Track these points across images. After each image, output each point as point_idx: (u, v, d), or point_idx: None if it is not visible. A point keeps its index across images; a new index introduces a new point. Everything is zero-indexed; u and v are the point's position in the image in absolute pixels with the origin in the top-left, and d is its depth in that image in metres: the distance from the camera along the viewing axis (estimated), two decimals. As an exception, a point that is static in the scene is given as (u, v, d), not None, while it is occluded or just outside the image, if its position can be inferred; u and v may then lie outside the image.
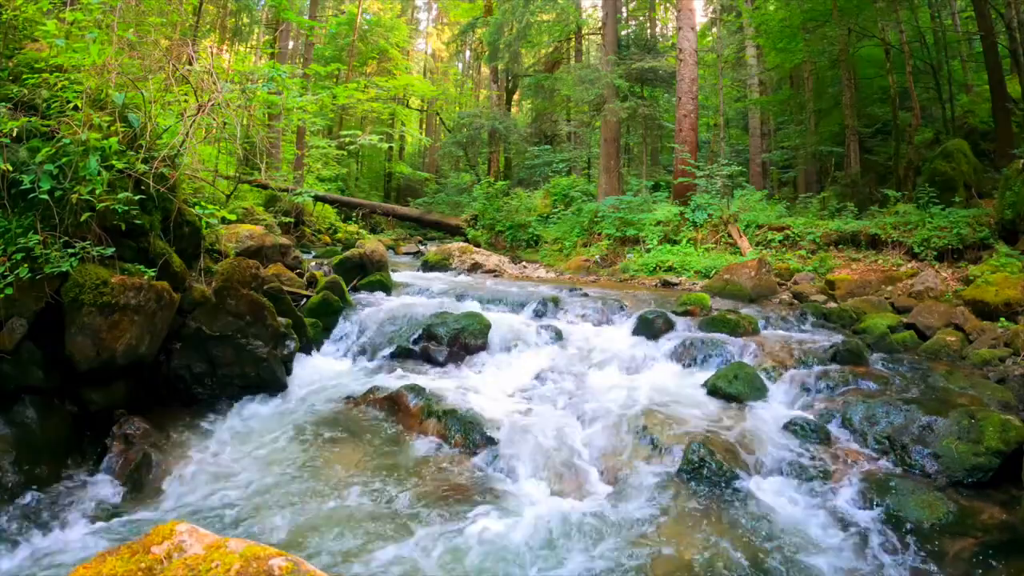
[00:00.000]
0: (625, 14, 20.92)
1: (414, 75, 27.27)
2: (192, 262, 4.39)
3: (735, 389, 4.23)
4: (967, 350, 5.19)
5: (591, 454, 3.59)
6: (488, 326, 5.37)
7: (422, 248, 14.34)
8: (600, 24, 19.21)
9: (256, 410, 4.02)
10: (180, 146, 3.99)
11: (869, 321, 6.02)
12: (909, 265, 8.09)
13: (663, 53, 17.13)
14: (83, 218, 3.20)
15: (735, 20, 20.51)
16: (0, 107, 3.27)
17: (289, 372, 4.49)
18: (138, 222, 3.60)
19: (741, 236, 10.23)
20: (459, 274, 9.76)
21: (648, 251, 10.59)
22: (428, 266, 10.38)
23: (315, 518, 2.86)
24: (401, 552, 2.63)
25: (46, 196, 3.07)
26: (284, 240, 7.54)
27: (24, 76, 3.52)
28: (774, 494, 3.16)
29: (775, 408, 4.14)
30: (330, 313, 5.57)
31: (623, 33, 18.18)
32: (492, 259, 10.69)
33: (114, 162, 3.30)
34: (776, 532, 2.85)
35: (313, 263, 8.33)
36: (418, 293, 7.05)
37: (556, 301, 6.41)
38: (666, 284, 9.05)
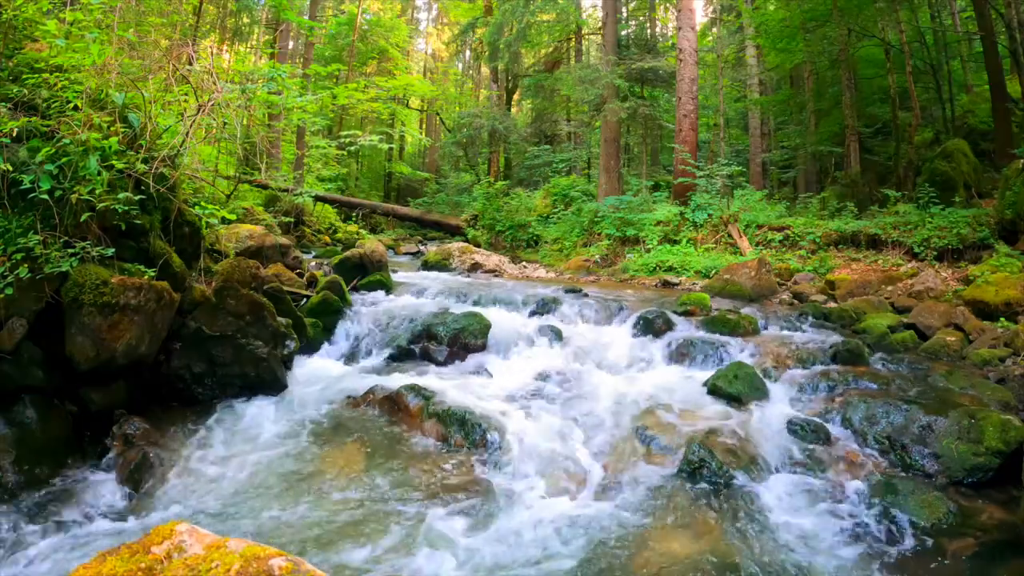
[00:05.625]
0: (625, 14, 20.90)
1: (414, 75, 27.23)
2: (192, 262, 4.40)
3: (735, 389, 4.23)
4: (967, 350, 5.18)
5: (591, 454, 3.59)
6: (488, 326, 5.37)
7: (422, 248, 14.32)
8: (600, 24, 19.20)
9: (256, 410, 4.02)
10: (180, 146, 3.99)
11: (869, 321, 6.02)
12: (909, 265, 8.08)
13: (663, 53, 17.13)
14: (83, 218, 3.20)
15: (735, 20, 20.52)
16: (0, 107, 3.27)
17: (289, 372, 4.49)
18: (138, 222, 3.61)
19: (741, 236, 10.22)
20: (459, 274, 9.75)
21: (648, 251, 10.59)
22: (428, 266, 10.38)
23: (315, 518, 2.86)
24: (401, 551, 2.63)
25: (46, 196, 3.08)
26: (284, 240, 7.55)
27: (24, 76, 3.53)
28: (774, 494, 3.16)
29: (775, 408, 4.13)
30: (330, 313, 5.57)
31: (623, 33, 18.17)
32: (492, 259, 10.68)
33: (114, 162, 3.31)
34: (776, 532, 2.85)
35: (313, 263, 8.34)
36: (418, 293, 7.04)
37: (556, 301, 6.40)
38: (666, 284, 9.05)
